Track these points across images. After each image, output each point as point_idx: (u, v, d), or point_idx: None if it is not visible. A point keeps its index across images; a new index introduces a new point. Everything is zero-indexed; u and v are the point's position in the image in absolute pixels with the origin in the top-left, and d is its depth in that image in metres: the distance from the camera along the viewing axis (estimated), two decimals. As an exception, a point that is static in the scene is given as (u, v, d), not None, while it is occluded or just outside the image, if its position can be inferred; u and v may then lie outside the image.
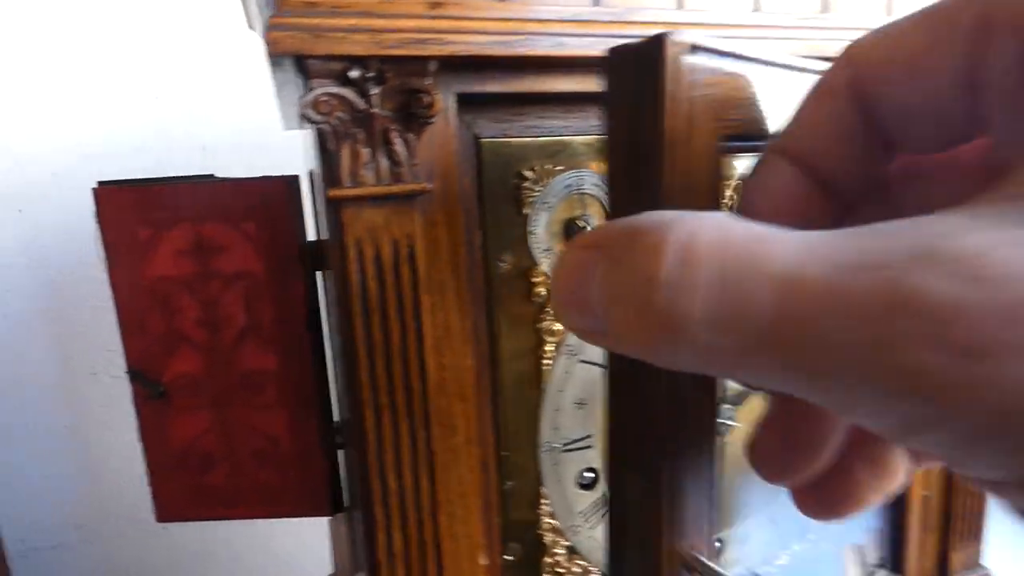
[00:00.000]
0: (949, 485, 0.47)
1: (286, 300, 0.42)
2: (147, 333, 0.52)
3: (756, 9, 0.34)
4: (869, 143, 0.15)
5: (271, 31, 0.25)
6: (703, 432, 0.20)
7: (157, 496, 0.55)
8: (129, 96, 0.78)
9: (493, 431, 0.35)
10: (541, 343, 0.37)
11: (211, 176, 0.45)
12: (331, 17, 0.26)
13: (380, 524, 0.32)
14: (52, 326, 0.80)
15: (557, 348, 0.37)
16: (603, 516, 0.39)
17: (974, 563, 0.50)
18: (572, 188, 0.36)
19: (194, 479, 0.56)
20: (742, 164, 0.32)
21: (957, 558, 0.49)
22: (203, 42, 0.78)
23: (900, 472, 0.19)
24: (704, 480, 0.20)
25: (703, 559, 0.20)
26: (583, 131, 0.35)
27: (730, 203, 0.29)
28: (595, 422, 0.39)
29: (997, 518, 0.49)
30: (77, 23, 0.75)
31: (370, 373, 0.31)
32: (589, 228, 0.37)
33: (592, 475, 0.40)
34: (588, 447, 0.39)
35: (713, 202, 0.18)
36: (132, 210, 0.49)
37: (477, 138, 0.32)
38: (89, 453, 0.85)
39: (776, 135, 0.17)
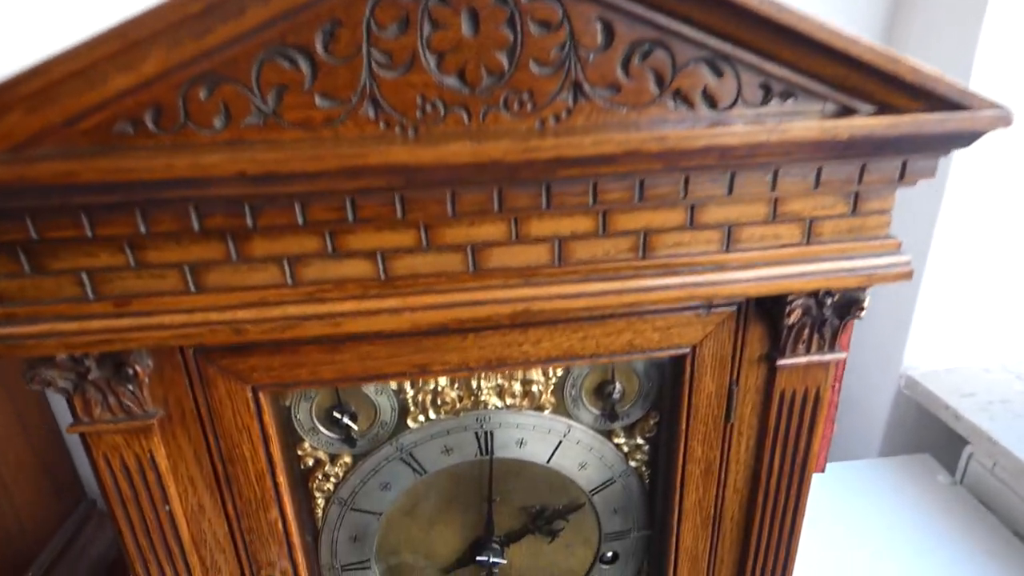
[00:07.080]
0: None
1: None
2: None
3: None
4: None
5: (-30, 342, 0.30)
6: None
7: None
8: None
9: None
10: (311, 497, 0.43)
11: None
12: (25, 325, 0.31)
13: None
14: None
15: (328, 500, 0.43)
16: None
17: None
18: (328, 382, 0.40)
19: None
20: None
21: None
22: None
23: None
24: None
25: None
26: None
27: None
28: (370, 551, 0.46)
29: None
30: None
31: (135, 542, 0.38)
32: (347, 418, 0.41)
33: (371, 587, 0.47)
34: (366, 568, 0.46)
35: None
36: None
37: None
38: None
39: None
